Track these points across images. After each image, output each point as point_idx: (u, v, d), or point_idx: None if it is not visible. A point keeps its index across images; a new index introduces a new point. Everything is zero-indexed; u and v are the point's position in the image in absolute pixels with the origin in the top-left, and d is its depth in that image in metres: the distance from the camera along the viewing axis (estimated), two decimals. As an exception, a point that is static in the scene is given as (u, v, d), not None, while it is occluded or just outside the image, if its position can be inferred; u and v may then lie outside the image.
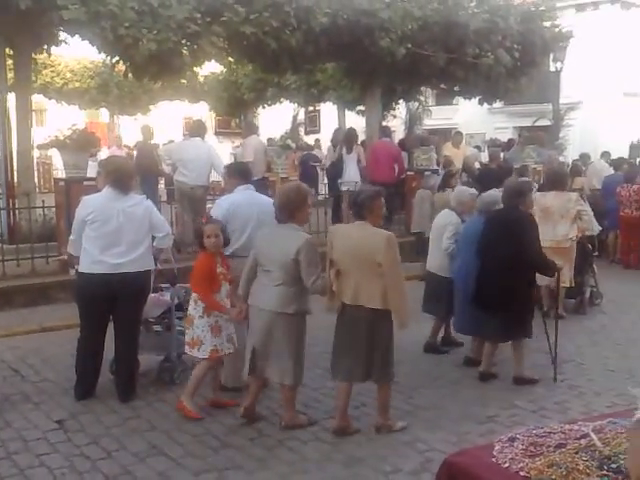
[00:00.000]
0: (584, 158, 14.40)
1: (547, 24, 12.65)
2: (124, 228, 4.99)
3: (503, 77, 12.11)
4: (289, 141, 11.19)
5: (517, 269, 5.28)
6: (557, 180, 7.81)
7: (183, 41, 9.25)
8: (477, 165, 13.15)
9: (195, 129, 10.51)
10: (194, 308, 4.78)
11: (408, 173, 12.01)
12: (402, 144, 13.56)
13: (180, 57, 9.35)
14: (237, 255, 5.12)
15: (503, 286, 5.28)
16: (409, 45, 10.77)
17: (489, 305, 5.40)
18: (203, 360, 4.78)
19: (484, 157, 14.20)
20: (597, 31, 19.41)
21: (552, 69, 15.64)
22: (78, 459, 4.17)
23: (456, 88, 13.80)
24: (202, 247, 4.81)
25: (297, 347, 4.46)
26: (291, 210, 4.42)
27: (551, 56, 14.80)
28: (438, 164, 11.75)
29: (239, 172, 5.55)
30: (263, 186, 10.12)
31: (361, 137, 13.11)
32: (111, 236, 4.97)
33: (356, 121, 15.80)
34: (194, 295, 4.80)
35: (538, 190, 8.54)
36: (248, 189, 5.41)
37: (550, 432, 2.37)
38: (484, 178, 11.04)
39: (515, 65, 11.98)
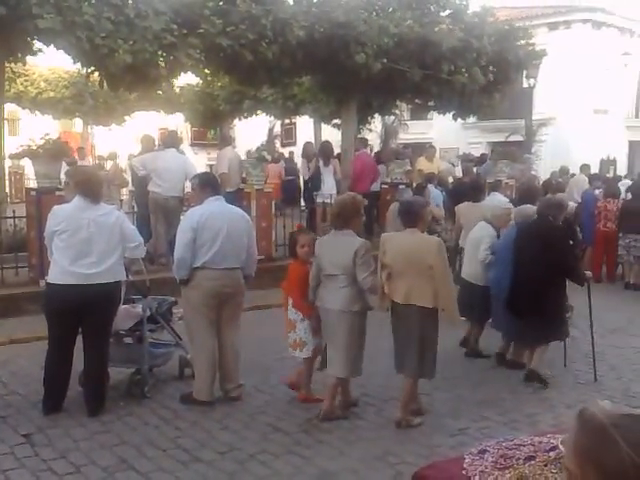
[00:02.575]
0: (562, 172, 14.56)
1: (521, 42, 12.85)
2: (94, 238, 4.92)
3: (477, 94, 12.27)
4: (264, 153, 11.20)
5: (551, 276, 5.65)
6: (529, 195, 7.90)
7: (159, 52, 9.20)
8: (451, 179, 13.32)
9: (169, 140, 10.48)
10: (295, 313, 5.16)
11: (383, 186, 12.13)
12: (377, 157, 13.68)
13: (156, 68, 9.30)
14: (207, 267, 5.09)
15: (538, 292, 5.64)
16: (385, 60, 10.84)
17: (525, 311, 5.74)
18: (307, 359, 5.20)
19: (458, 172, 14.37)
20: (569, 49, 19.79)
21: (525, 86, 15.91)
22: (45, 474, 4.09)
23: (431, 103, 13.94)
24: (294, 255, 5.24)
25: (360, 341, 4.88)
26: (346, 218, 4.85)
27: (524, 73, 15.03)
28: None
29: (209, 183, 5.47)
30: (238, 198, 10.15)
31: (336, 150, 13.21)
32: (81, 246, 4.89)
33: (332, 134, 15.87)
34: (291, 300, 5.17)
35: (511, 203, 8.64)
36: (218, 200, 5.37)
37: (520, 444, 2.38)
38: (457, 192, 11.18)
39: (489, 82, 12.15)
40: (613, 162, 20.25)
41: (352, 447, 4.50)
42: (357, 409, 5.18)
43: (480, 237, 6.70)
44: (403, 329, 4.82)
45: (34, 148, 8.35)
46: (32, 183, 12.58)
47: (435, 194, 10.31)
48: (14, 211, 8.98)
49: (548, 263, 5.61)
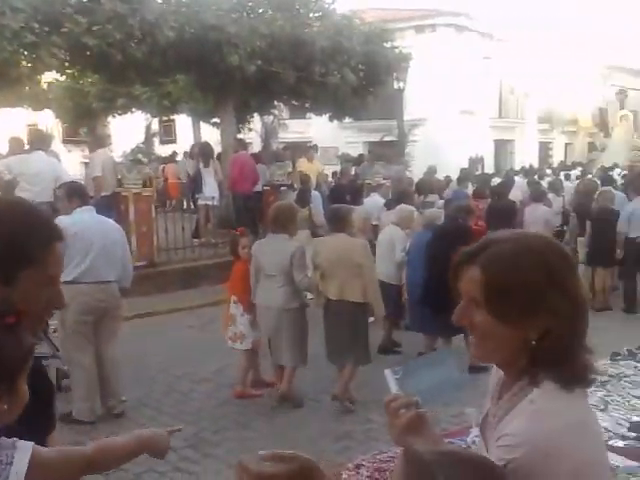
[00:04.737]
0: (431, 172, 15.14)
1: (388, 45, 13.32)
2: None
3: (349, 95, 12.59)
4: (140, 155, 10.85)
5: None
6: (402, 196, 8.25)
7: (21, 51, 8.68)
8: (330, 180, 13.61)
9: (36, 141, 9.86)
10: (236, 308, 5.54)
11: (265, 188, 12.13)
12: (257, 157, 13.65)
13: (17, 67, 8.78)
14: (79, 282, 4.86)
15: (448, 288, 5.72)
16: (259, 62, 10.87)
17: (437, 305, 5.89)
18: (246, 351, 5.53)
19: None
20: (436, 52, 20.67)
21: (396, 88, 16.49)
22: None
23: (307, 104, 14.14)
24: (237, 255, 5.64)
25: (302, 334, 5.32)
26: (283, 223, 5.30)
27: (395, 75, 15.58)
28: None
29: (75, 193, 5.20)
30: (112, 203, 9.74)
31: (217, 149, 13.08)
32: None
33: (213, 133, 15.67)
34: (233, 297, 5.57)
35: (385, 205, 8.94)
36: (88, 211, 5.15)
37: (393, 457, 2.41)
38: (336, 193, 11.44)
39: (361, 84, 12.51)
40: (481, 160, 21.47)
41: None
42: (244, 418, 5.17)
43: (392, 239, 6.99)
44: (337, 323, 5.26)
45: None
46: None
47: (315, 196, 10.47)
48: None
49: None
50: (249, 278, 5.45)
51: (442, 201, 10.38)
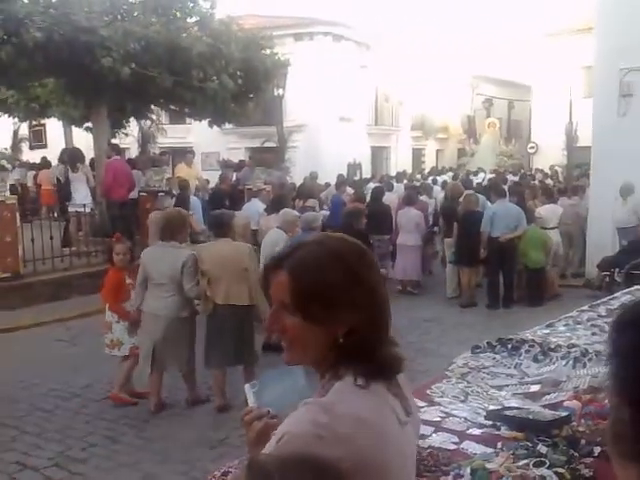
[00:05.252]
0: (312, 177, 15.35)
1: (267, 52, 13.40)
2: None
3: (229, 101, 12.53)
4: (4, 162, 10.25)
5: None
6: (280, 202, 8.32)
7: None
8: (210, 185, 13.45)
9: None
10: (111, 315, 5.45)
11: (141, 194, 11.77)
12: (132, 163, 13.24)
13: None
14: None
15: None
16: (133, 65, 10.56)
17: None
18: (124, 357, 5.46)
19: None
20: (314, 60, 21.05)
21: (275, 94, 16.62)
22: None
23: (186, 110, 13.92)
24: (112, 263, 5.51)
25: (191, 342, 5.37)
26: (173, 231, 5.31)
27: (274, 82, 15.69)
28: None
29: None
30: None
31: (91, 155, 12.56)
32: None
33: (87, 138, 15.01)
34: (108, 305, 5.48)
35: (265, 211, 8.98)
36: None
37: None
38: (215, 199, 11.33)
39: (240, 90, 12.48)
40: (359, 166, 22.10)
41: (109, 475, 4.32)
42: (114, 433, 4.99)
43: (276, 242, 6.95)
44: (225, 327, 5.30)
45: None
46: None
47: (194, 202, 10.31)
48: None
49: None
50: (122, 285, 5.44)
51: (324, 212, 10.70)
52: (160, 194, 11.23)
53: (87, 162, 11.93)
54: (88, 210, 11.19)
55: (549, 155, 23.56)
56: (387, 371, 1.32)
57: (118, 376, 5.56)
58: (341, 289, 1.28)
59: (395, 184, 15.40)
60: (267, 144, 17.91)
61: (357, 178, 18.27)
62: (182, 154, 14.76)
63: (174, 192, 10.94)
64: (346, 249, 1.34)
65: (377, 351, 1.30)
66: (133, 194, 11.82)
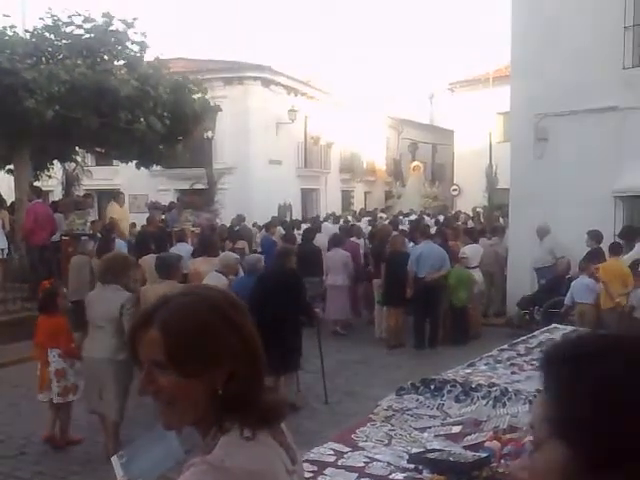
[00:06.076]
0: (239, 219, 15.40)
1: (196, 96, 13.45)
2: None
3: (157, 143, 12.46)
4: None
5: (292, 312, 6.47)
6: (209, 245, 8.28)
7: None
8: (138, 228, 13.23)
9: None
10: (64, 362, 5.39)
11: (63, 238, 11.43)
12: (55, 206, 12.87)
13: None
14: None
15: (281, 325, 6.09)
16: (57, 107, 10.38)
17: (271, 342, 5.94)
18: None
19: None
20: (244, 104, 21.24)
21: (205, 137, 16.63)
22: None
23: (112, 152, 13.73)
24: (55, 307, 5.46)
25: (125, 388, 5.18)
26: (115, 273, 5.28)
27: (203, 125, 15.70)
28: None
29: None
30: None
31: (13, 198, 12.15)
32: None
33: (9, 181, 14.48)
34: (56, 351, 5.36)
35: (192, 254, 8.89)
36: None
37: None
38: (141, 241, 11.14)
39: (168, 132, 12.43)
40: (289, 207, 22.23)
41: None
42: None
43: (215, 285, 6.86)
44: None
45: None
46: None
47: (119, 244, 10.10)
48: None
49: (288, 301, 6.39)
50: (68, 329, 5.54)
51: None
52: (83, 238, 10.94)
53: (7, 205, 11.56)
54: (5, 256, 10.80)
55: (471, 197, 24.33)
56: (272, 418, 1.29)
57: (65, 421, 5.56)
58: (217, 338, 1.25)
59: (325, 224, 15.62)
60: (196, 186, 17.80)
61: (287, 219, 18.38)
62: (109, 196, 14.47)
63: (98, 235, 10.71)
64: (219, 297, 1.32)
65: (258, 398, 1.27)
66: (55, 237, 11.48)
